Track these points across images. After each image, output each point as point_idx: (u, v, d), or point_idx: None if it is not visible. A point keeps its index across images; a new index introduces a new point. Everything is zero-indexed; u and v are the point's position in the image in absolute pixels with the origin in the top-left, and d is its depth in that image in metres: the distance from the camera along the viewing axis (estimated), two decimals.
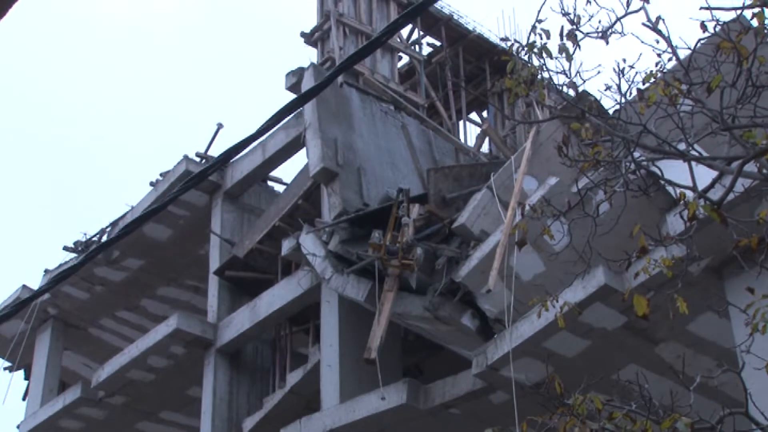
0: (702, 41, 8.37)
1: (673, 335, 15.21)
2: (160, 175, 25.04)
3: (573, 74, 9.06)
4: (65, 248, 26.22)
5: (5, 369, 26.96)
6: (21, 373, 26.98)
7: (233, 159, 23.08)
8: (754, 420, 7.35)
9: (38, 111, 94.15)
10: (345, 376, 18.75)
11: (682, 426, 6.90)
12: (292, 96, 20.36)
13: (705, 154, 8.81)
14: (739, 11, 8.01)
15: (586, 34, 8.66)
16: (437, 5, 24.28)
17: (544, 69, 8.95)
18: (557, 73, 8.86)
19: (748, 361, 8.27)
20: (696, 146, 8.57)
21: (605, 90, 9.19)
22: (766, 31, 7.63)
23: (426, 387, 17.13)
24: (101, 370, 23.47)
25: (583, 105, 10.07)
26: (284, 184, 23.87)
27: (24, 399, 26.37)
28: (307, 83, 20.92)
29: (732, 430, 7.48)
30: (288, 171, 23.78)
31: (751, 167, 8.33)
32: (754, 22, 7.70)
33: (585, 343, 15.55)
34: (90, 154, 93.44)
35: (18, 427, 24.87)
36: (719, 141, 8.83)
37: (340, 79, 21.41)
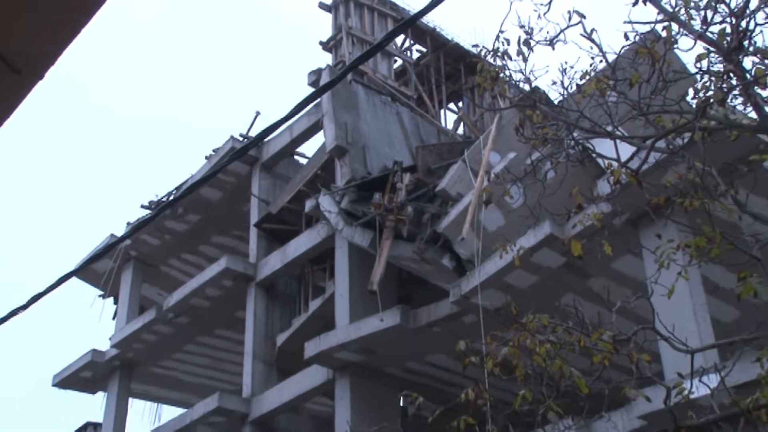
0: (625, 48, 8.33)
1: (601, 271, 15.25)
2: (213, 150, 25.06)
3: (527, 73, 9.04)
4: (142, 206, 26.29)
5: (99, 296, 27.13)
6: (111, 300, 27.11)
7: (267, 138, 23.16)
8: (658, 333, 7.38)
9: (117, 93, 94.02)
10: (353, 303, 18.80)
11: (606, 337, 6.94)
12: (312, 90, 20.31)
13: (626, 134, 8.79)
14: (652, 25, 7.99)
15: (538, 42, 8.63)
16: (423, 20, 24.18)
17: (506, 69, 8.92)
18: (515, 72, 8.83)
19: (655, 290, 8.29)
20: (620, 128, 8.56)
21: (552, 85, 9.19)
22: (672, 40, 7.62)
23: (414, 311, 17.18)
24: (170, 298, 23.54)
25: (535, 97, 10.05)
26: (307, 157, 23.82)
27: (113, 319, 26.50)
28: (324, 80, 20.88)
29: (643, 340, 7.51)
30: (310, 147, 23.77)
31: (660, 144, 8.35)
32: (664, 33, 7.69)
33: (534, 278, 15.59)
34: (159, 134, 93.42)
35: (110, 339, 25.03)
36: (637, 124, 8.81)
37: (349, 77, 21.40)
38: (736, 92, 7.15)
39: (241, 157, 22.88)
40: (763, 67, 6.94)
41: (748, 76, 7.00)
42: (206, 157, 25.25)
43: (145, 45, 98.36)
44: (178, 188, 25.30)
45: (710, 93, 7.33)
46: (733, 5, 7.10)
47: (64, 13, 2.30)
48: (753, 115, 7.17)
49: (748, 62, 7.09)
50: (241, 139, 23.99)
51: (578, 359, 7.29)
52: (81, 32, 2.42)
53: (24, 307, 4.65)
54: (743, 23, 7.06)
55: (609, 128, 8.47)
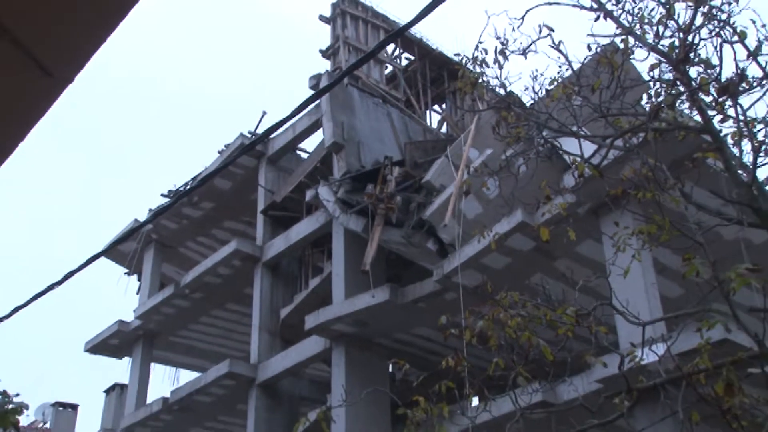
0: (588, 58, 8.35)
1: (566, 254, 15.26)
2: (224, 146, 25.01)
3: (503, 79, 9.04)
4: (162, 194, 26.20)
5: (125, 274, 27.11)
6: (135, 277, 27.10)
7: (273, 135, 23.14)
8: (615, 308, 7.41)
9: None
10: (348, 282, 18.78)
11: (569, 312, 6.97)
12: (312, 92, 20.27)
13: (589, 134, 8.81)
14: (612, 38, 8.00)
15: (512, 52, 8.62)
16: (411, 31, 24.13)
17: (484, 75, 8.92)
18: (492, 78, 8.83)
19: (612, 270, 8.32)
20: (583, 128, 8.57)
21: (524, 90, 9.18)
22: (629, 51, 7.64)
23: (402, 289, 17.15)
24: (186, 275, 23.49)
25: (510, 100, 10.05)
26: (307, 152, 23.77)
27: (137, 293, 26.49)
28: (323, 84, 20.85)
29: (601, 314, 7.54)
30: (310, 143, 23.72)
31: (618, 142, 8.36)
32: (622, 45, 7.71)
33: (508, 260, 15.59)
34: (176, 130, 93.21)
35: (134, 311, 25.04)
36: (599, 125, 8.82)
37: (346, 81, 21.36)
38: (683, 98, 7.18)
39: (250, 152, 22.96)
40: (707, 77, 6.97)
41: (693, 84, 7.03)
42: (219, 152, 25.21)
43: (156, 47, 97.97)
44: (194, 179, 25.24)
45: (661, 98, 7.38)
46: (681, 22, 7.13)
47: (98, 14, 2.16)
48: (698, 118, 7.18)
49: (693, 72, 7.12)
50: (249, 135, 23.92)
51: (545, 331, 7.30)
52: (111, 35, 2.26)
53: (59, 283, 4.65)
54: (690, 38, 7.09)
55: (574, 128, 8.49)
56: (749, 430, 5.96)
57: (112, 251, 26.11)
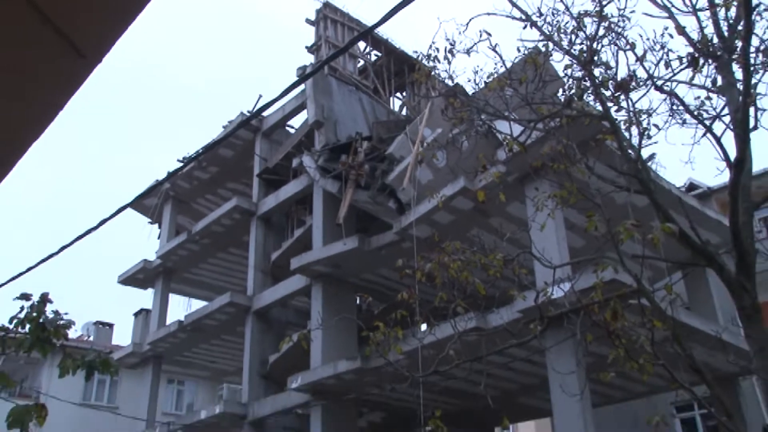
0: (517, 58, 8.36)
1: (498, 213, 15.34)
2: (228, 122, 24.73)
3: (451, 72, 9.02)
4: (178, 160, 25.94)
5: (149, 223, 26.92)
6: (156, 225, 26.89)
7: (266, 114, 22.95)
8: (534, 255, 7.51)
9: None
10: (325, 233, 18.78)
11: (499, 257, 7.06)
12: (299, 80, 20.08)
13: (517, 118, 8.85)
14: (536, 42, 8.02)
15: (458, 51, 8.59)
16: (380, 33, 23.95)
17: (435, 69, 8.89)
18: (442, 71, 8.80)
19: (533, 226, 8.42)
20: (513, 113, 8.61)
21: (467, 81, 9.18)
22: (549, 54, 7.66)
23: (368, 238, 17.19)
24: (197, 225, 23.37)
25: (456, 89, 10.04)
26: (294, 128, 23.58)
27: (158, 239, 26.33)
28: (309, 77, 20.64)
29: (523, 260, 7.62)
30: (297, 121, 23.51)
31: (539, 125, 8.39)
32: (543, 49, 7.72)
33: (452, 217, 15.64)
34: (191, 110, 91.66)
35: (155, 252, 24.91)
36: (525, 111, 8.86)
37: (326, 71, 21.19)
38: (589, 92, 7.23)
39: (247, 127, 22.83)
40: (607, 76, 7.03)
41: (597, 81, 7.09)
42: (223, 127, 24.95)
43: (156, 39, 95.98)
44: (203, 148, 24.99)
45: (573, 91, 7.41)
46: (588, 33, 7.18)
47: None
48: (599, 107, 7.26)
49: (597, 72, 7.18)
50: (247, 113, 23.67)
51: (479, 272, 7.35)
52: (138, 17, 1.97)
53: (95, 228, 4.64)
54: (594, 45, 7.14)
55: (506, 113, 8.52)
56: (627, 346, 6.12)
57: (138, 205, 26.03)
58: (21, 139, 2.32)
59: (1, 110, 2.20)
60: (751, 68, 6.55)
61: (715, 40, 6.98)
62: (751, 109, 6.52)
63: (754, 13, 6.53)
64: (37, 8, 1.86)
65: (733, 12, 6.89)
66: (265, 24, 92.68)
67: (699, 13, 7.08)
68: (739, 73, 6.68)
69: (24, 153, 2.37)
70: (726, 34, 6.92)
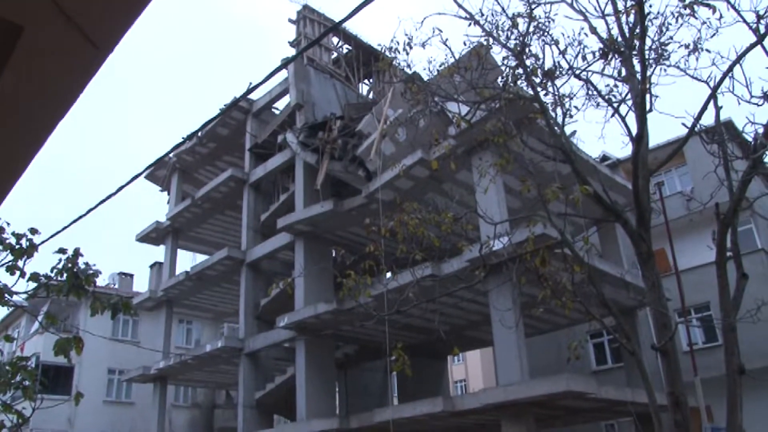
0: (464, 49, 8.30)
1: (450, 179, 15.44)
2: (224, 105, 24.27)
3: (409, 62, 8.94)
4: (182, 138, 25.30)
5: (160, 190, 26.55)
6: (165, 192, 26.51)
7: (256, 97, 22.56)
8: (479, 214, 7.41)
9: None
10: (306, 197, 18.71)
11: (449, 215, 7.08)
12: (283, 69, 19.75)
13: (465, 99, 8.83)
14: (479, 37, 7.96)
15: (415, 44, 8.48)
16: (350, 30, 23.58)
17: (396, 59, 8.79)
18: (402, 61, 8.70)
19: (477, 190, 8.47)
20: (461, 96, 8.58)
21: (423, 69, 9.09)
22: (489, 47, 7.62)
23: (342, 201, 17.17)
24: (199, 191, 23.10)
25: (414, 76, 9.96)
26: (279, 110, 23.24)
27: (167, 203, 26.03)
28: (291, 65, 20.28)
29: (470, 218, 7.66)
30: (281, 103, 23.14)
31: (483, 106, 8.41)
32: (485, 42, 7.68)
33: (411, 183, 15.70)
34: (191, 94, 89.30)
35: (166, 215, 24.57)
36: (471, 94, 8.84)
37: (305, 61, 20.86)
38: (522, 78, 7.24)
39: (239, 109, 22.42)
40: (536, 65, 7.04)
41: (528, 69, 7.10)
42: (220, 109, 24.52)
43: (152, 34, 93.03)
44: (201, 126, 24.50)
45: (509, 78, 7.40)
46: (521, 30, 7.17)
47: None
48: (531, 91, 7.27)
49: (528, 62, 7.18)
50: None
51: (433, 229, 7.42)
52: (147, 7, 1.73)
53: (114, 194, 4.58)
54: (526, 40, 7.13)
55: (455, 96, 8.50)
56: (553, 287, 6.26)
57: (150, 175, 26.00)
58: (39, 130, 2.13)
59: (22, 101, 2.00)
60: (647, 62, 6.75)
61: (620, 39, 7.10)
62: (647, 96, 6.70)
63: (647, 19, 6.79)
64: (53, 1, 1.66)
65: (632, 18, 7.05)
66: (261, 25, 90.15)
67: (607, 18, 7.20)
68: (638, 66, 6.84)
69: (45, 140, 2.15)
70: (627, 34, 7.06)
